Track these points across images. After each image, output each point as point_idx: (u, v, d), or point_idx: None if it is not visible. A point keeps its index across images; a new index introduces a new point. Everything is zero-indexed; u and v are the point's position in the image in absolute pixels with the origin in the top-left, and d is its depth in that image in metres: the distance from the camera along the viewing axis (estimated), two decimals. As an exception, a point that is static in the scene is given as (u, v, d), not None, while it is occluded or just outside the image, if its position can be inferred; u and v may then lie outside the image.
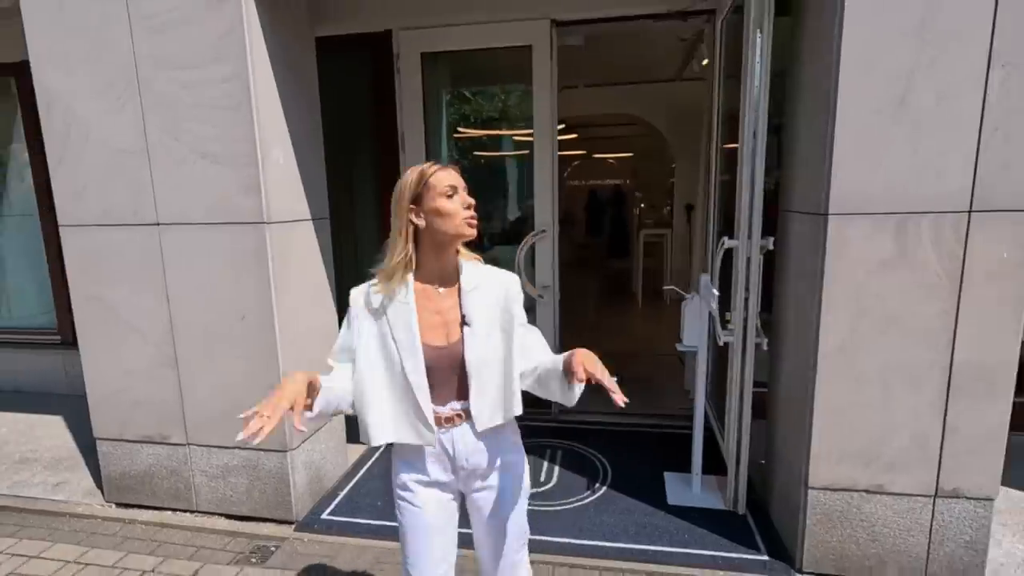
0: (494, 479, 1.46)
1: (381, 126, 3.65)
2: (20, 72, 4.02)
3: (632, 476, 2.97)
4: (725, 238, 2.46)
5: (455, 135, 3.86)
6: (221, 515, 2.72)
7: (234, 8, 2.22)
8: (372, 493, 2.86)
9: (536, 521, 2.58)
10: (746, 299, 2.41)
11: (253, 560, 2.42)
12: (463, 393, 1.39)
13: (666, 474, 2.95)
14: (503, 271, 1.45)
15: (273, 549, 2.49)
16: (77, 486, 3.01)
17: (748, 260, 2.38)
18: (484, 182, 4.03)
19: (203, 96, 2.32)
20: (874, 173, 1.93)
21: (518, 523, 1.51)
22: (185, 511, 2.76)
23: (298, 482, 2.64)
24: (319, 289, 2.78)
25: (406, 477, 1.44)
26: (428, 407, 1.35)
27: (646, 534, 2.49)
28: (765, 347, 2.46)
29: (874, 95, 1.89)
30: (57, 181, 2.55)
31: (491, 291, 1.39)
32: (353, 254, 3.85)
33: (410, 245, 1.34)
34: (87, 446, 3.37)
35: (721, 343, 2.54)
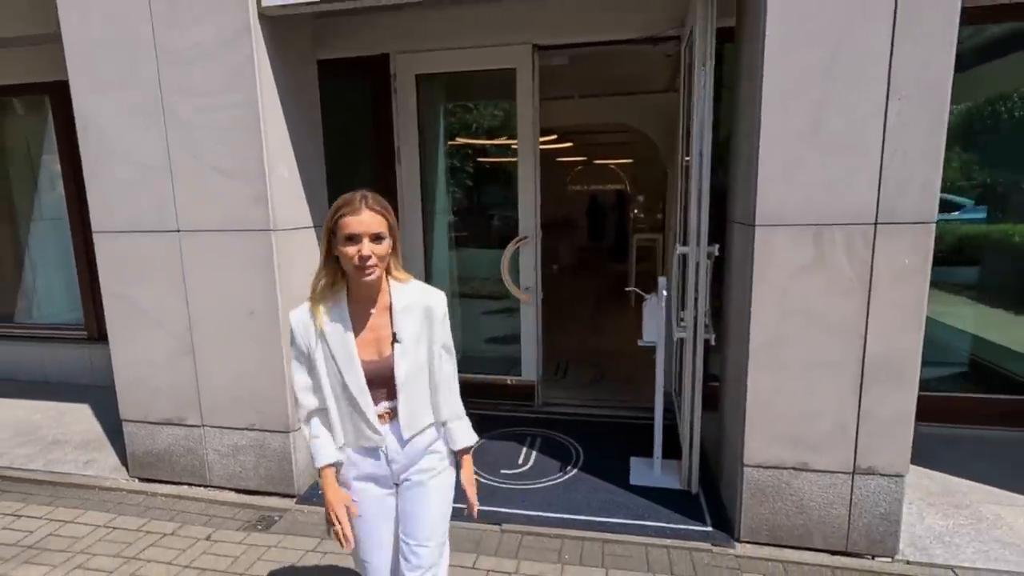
0: (424, 464, 1.60)
1: (379, 141, 3.98)
2: (53, 91, 4.43)
3: (601, 460, 3.27)
4: (678, 244, 2.76)
5: (448, 145, 4.18)
6: (231, 489, 3.06)
7: (246, 46, 2.57)
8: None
9: (511, 497, 2.90)
10: (696, 300, 2.70)
11: (259, 527, 2.75)
12: (392, 394, 1.53)
13: (632, 459, 3.25)
14: (431, 289, 1.57)
15: (276, 518, 2.82)
16: (104, 463, 3.37)
17: (697, 265, 2.67)
18: (476, 189, 4.36)
19: (219, 120, 2.67)
20: (794, 189, 2.23)
21: (439, 512, 1.62)
22: (199, 485, 3.10)
23: (299, 460, 2.97)
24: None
25: (346, 475, 1.59)
26: (372, 413, 1.50)
27: (607, 509, 2.79)
28: (713, 342, 2.75)
29: (793, 122, 2.19)
30: (91, 193, 2.90)
31: (419, 310, 1.53)
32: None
33: (332, 270, 1.49)
34: (112, 430, 3.74)
35: (675, 339, 2.84)
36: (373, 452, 1.56)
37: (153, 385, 3.03)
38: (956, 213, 3.64)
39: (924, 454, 3.12)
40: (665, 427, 3.05)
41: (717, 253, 2.68)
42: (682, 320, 2.80)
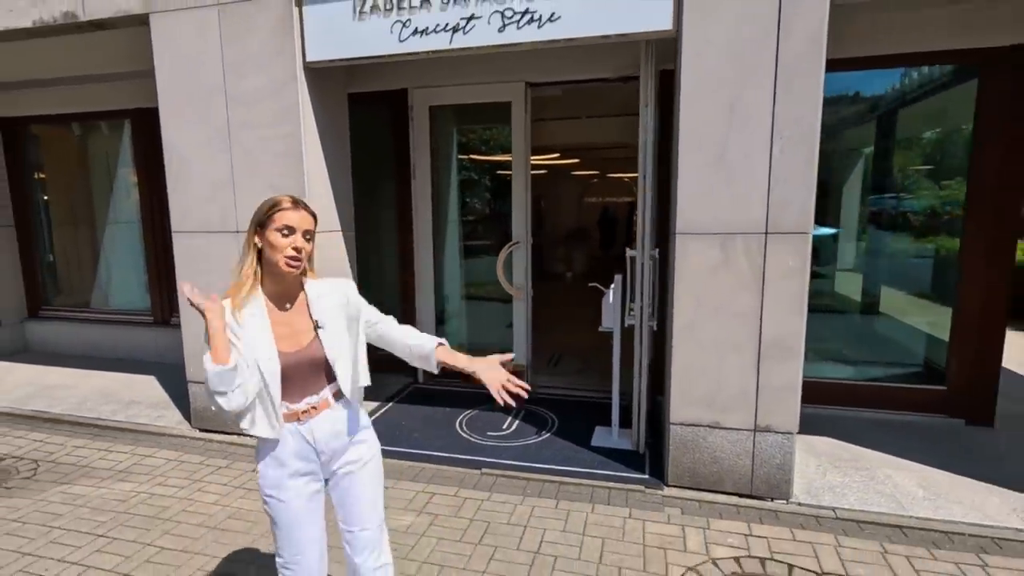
0: (353, 455, 1.67)
1: (398, 160, 4.75)
2: (134, 116, 5.35)
3: (571, 428, 3.93)
4: (628, 249, 3.43)
5: (455, 163, 4.92)
6: (271, 438, 3.82)
7: (293, 91, 3.36)
8: (382, 434, 3.90)
9: (492, 452, 3.59)
10: (641, 293, 3.36)
11: (292, 465, 3.50)
12: (316, 388, 1.61)
13: (597, 427, 3.90)
14: (340, 279, 1.73)
15: (306, 460, 3.57)
16: (171, 418, 4.19)
17: (642, 265, 3.33)
18: (479, 201, 5.09)
19: (271, 147, 3.47)
20: (705, 205, 2.88)
21: (375, 497, 1.72)
22: (246, 435, 3.87)
23: (325, 416, 3.72)
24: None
25: (273, 475, 1.59)
26: (279, 405, 1.55)
27: (568, 462, 3.45)
28: (655, 327, 3.39)
29: (702, 154, 2.85)
30: (172, 202, 3.74)
31: (334, 296, 1.65)
32: (376, 253, 4.94)
33: (254, 265, 1.57)
34: (175, 395, 4.57)
35: (626, 326, 3.50)
36: (295, 447, 1.59)
37: (213, 353, 3.82)
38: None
39: (849, 433, 3.71)
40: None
41: (657, 256, 3.34)
42: (631, 310, 3.45)
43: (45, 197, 6.13)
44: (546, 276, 10.51)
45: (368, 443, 1.72)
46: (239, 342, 1.50)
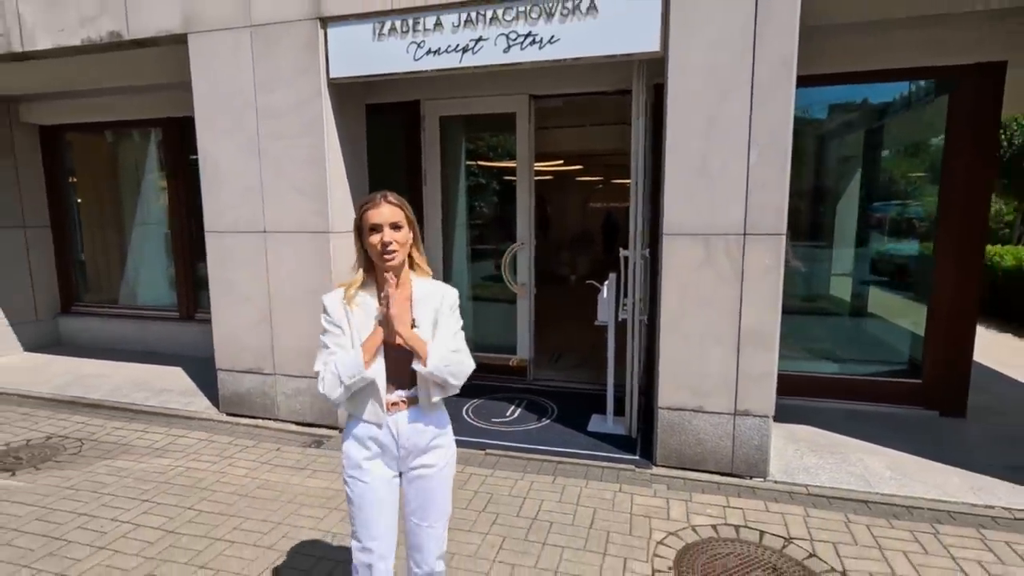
0: (428, 458, 1.74)
1: (410, 165, 5.09)
2: (165, 125, 5.73)
3: (570, 416, 4.23)
4: (621, 249, 3.73)
5: (464, 169, 5.25)
6: (293, 422, 4.15)
7: (318, 105, 3.71)
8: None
9: (496, 436, 3.90)
10: (634, 289, 3.66)
11: (312, 446, 3.83)
12: (407, 383, 1.69)
13: (593, 415, 4.19)
14: (446, 285, 1.76)
15: (325, 441, 3.89)
16: (200, 404, 4.53)
17: (634, 264, 3.64)
18: (486, 204, 5.42)
19: (297, 156, 3.81)
20: (689, 209, 3.18)
21: (445, 499, 1.80)
22: (270, 419, 4.21)
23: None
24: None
25: (357, 456, 1.69)
26: (383, 393, 1.65)
27: (566, 445, 3.75)
28: (647, 321, 3.69)
29: (687, 162, 3.15)
30: (206, 205, 4.09)
31: (434, 299, 1.71)
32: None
33: (363, 262, 1.68)
34: (202, 383, 4.92)
35: (620, 320, 3.80)
36: (380, 434, 1.69)
37: (241, 343, 4.17)
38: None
39: (830, 422, 3.98)
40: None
41: (648, 255, 3.64)
42: (625, 305, 3.76)
43: (79, 200, 6.53)
44: (552, 278, 10.81)
45: (446, 448, 1.78)
46: (347, 329, 1.64)
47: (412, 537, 1.81)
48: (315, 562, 2.55)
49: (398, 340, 1.63)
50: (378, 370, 1.65)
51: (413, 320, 1.67)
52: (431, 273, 1.78)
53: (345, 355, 1.62)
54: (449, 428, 1.82)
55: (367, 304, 1.66)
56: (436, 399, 1.72)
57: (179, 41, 4.00)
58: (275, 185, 3.89)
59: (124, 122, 5.94)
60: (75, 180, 6.53)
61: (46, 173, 6.30)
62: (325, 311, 1.69)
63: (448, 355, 1.66)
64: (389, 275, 1.61)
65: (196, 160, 4.09)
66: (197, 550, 2.64)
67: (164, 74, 4.99)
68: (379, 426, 1.69)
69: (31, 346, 6.21)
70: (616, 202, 13.07)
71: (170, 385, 5.01)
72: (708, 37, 3.04)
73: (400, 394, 1.70)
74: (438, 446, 1.76)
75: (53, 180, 6.32)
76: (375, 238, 1.62)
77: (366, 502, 1.71)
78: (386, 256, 1.61)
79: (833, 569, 2.50)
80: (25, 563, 2.56)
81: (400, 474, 1.77)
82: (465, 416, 4.24)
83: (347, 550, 2.58)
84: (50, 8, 4.22)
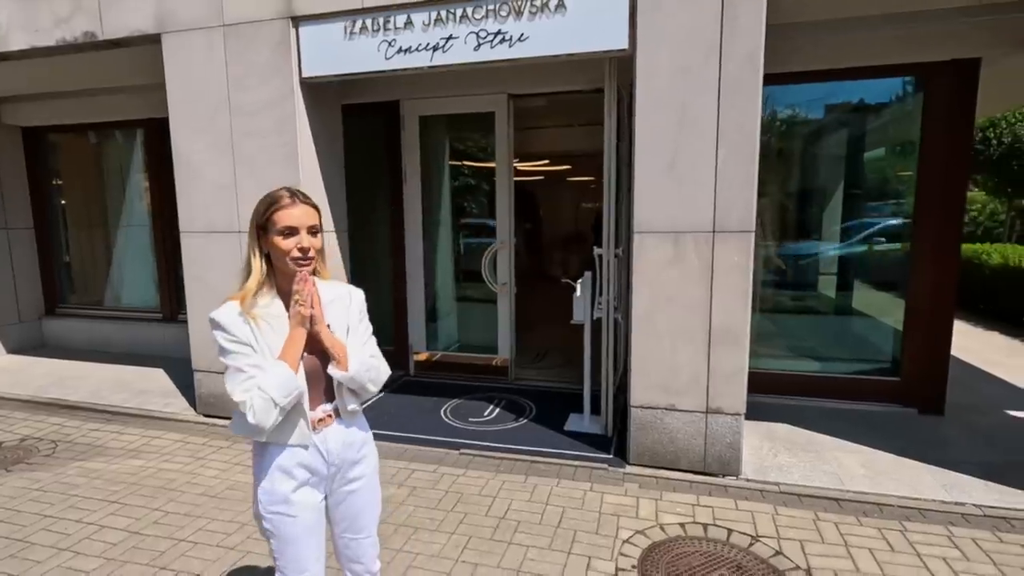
0: (357, 470, 1.65)
1: (390, 166, 5.07)
2: (146, 126, 5.72)
3: (548, 415, 4.21)
4: (595, 247, 3.72)
5: (444, 168, 5.23)
6: (269, 423, 4.14)
7: (290, 104, 3.70)
8: (372, 420, 4.20)
9: (472, 435, 3.89)
10: (608, 288, 3.65)
11: (288, 446, 3.81)
12: (329, 395, 1.57)
13: (571, 414, 4.18)
14: (350, 286, 1.67)
15: (300, 441, 3.87)
16: (178, 405, 4.51)
17: (608, 262, 3.63)
18: (466, 204, 5.41)
19: (270, 154, 3.80)
20: (658, 207, 3.18)
21: (378, 503, 1.73)
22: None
23: (318, 402, 4.03)
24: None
25: (284, 490, 1.51)
26: (307, 409, 1.51)
27: (540, 444, 3.73)
28: (620, 320, 3.68)
29: (656, 161, 3.14)
30: (180, 204, 4.08)
31: (343, 303, 1.61)
32: (370, 254, 5.26)
33: (262, 268, 1.50)
34: (182, 385, 4.90)
35: (594, 318, 3.79)
36: (308, 457, 1.54)
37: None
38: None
39: (808, 421, 3.97)
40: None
41: (621, 254, 3.63)
42: (599, 304, 3.75)
43: (62, 201, 6.51)
44: (544, 278, 10.80)
45: (370, 457, 1.69)
46: (256, 347, 1.45)
47: (347, 551, 1.71)
48: (277, 562, 2.54)
49: (318, 345, 1.51)
50: (303, 384, 1.48)
51: (328, 326, 1.54)
52: (331, 279, 1.65)
53: (272, 373, 1.42)
54: (369, 431, 1.73)
55: (271, 315, 1.49)
56: (352, 407, 1.61)
57: (153, 41, 3.99)
58: (249, 184, 3.88)
59: (107, 123, 5.93)
60: (59, 181, 6.52)
61: (29, 175, 6.28)
62: (222, 329, 1.45)
63: (367, 360, 1.57)
64: (305, 272, 1.48)
65: (172, 160, 4.09)
66: (160, 551, 2.63)
67: (145, 74, 4.96)
68: (305, 448, 1.53)
69: (14, 348, 6.19)
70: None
71: (150, 386, 4.99)
72: (675, 35, 3.03)
73: (325, 408, 1.57)
74: (366, 455, 1.67)
75: (36, 182, 6.31)
76: (289, 242, 1.47)
77: (296, 536, 1.55)
78: (301, 263, 1.48)
79: (798, 567, 2.49)
80: (-15, 565, 2.55)
81: (326, 496, 1.64)
82: (443, 416, 4.22)
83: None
84: (24, 8, 4.21)
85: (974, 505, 2.94)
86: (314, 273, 1.55)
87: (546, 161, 8.70)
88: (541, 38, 3.27)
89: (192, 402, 4.47)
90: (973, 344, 6.11)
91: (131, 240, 6.25)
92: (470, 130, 5.19)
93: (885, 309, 4.38)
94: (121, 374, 5.35)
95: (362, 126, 4.87)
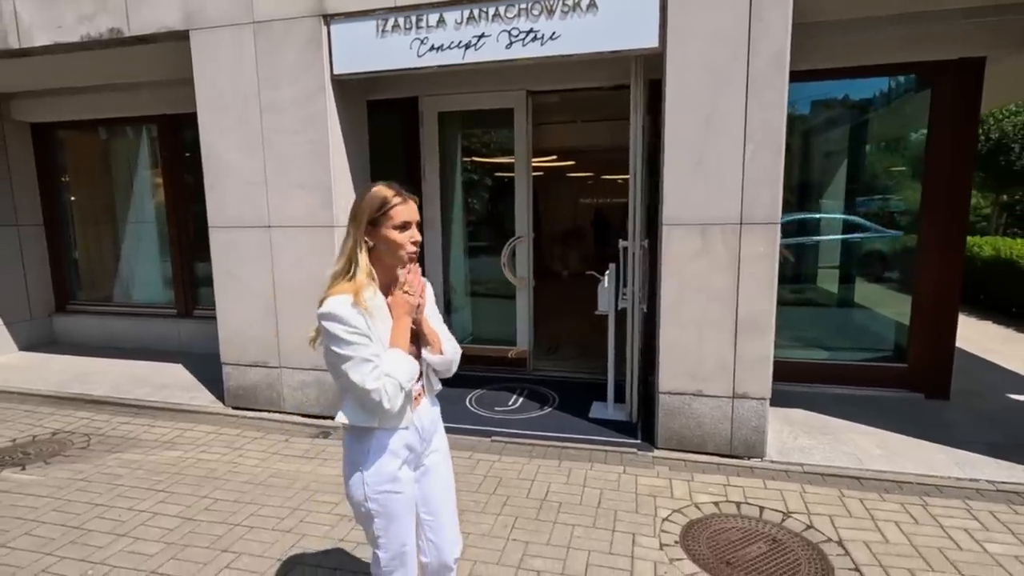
0: (437, 443, 1.79)
1: (409, 161, 5.15)
2: (160, 122, 5.73)
3: (571, 404, 4.33)
4: (621, 240, 3.84)
5: (462, 164, 5.32)
6: (299, 414, 4.21)
7: (321, 100, 3.77)
8: (395, 408, 4.29)
9: (501, 423, 4.00)
10: (633, 279, 3.77)
11: (320, 436, 3.89)
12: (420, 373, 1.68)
13: (594, 402, 4.31)
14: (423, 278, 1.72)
15: (332, 432, 3.96)
16: (204, 398, 4.57)
17: (634, 254, 3.75)
18: (484, 199, 5.50)
19: (300, 150, 3.86)
20: (686, 201, 3.30)
21: (452, 479, 1.86)
22: (276, 411, 4.26)
23: (348, 393, 4.10)
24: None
25: (391, 470, 1.60)
26: (412, 393, 1.61)
27: (568, 431, 3.85)
28: (646, 310, 3.81)
29: (684, 157, 3.27)
30: (209, 200, 4.12)
31: (429, 290, 1.74)
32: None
33: (368, 262, 1.56)
34: (204, 378, 4.95)
35: (619, 309, 3.91)
36: (407, 434, 1.64)
37: (246, 336, 4.21)
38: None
39: (822, 406, 4.13)
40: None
41: (647, 245, 3.76)
42: (624, 294, 3.87)
43: (73, 198, 6.49)
44: (545, 273, 10.92)
45: (441, 427, 1.83)
46: (372, 336, 1.51)
47: (428, 537, 1.79)
48: (334, 543, 2.63)
49: (417, 331, 1.64)
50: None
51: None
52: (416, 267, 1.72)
53: (396, 360, 1.53)
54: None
55: (377, 306, 1.56)
56: (438, 387, 1.79)
57: (181, 38, 4.03)
58: (279, 180, 3.94)
59: (118, 119, 5.91)
60: (69, 178, 6.49)
61: (39, 171, 6.25)
62: (340, 322, 1.47)
63: (455, 343, 1.75)
64: (414, 265, 1.60)
65: (192, 157, 4.12)
66: (217, 535, 2.71)
67: (160, 71, 5.00)
68: (407, 428, 1.64)
69: (26, 345, 6.17)
70: (606, 198, 13.22)
71: (171, 381, 5.03)
72: (704, 34, 3.15)
73: (416, 387, 1.67)
74: (439, 427, 1.82)
75: (46, 178, 6.28)
76: (404, 236, 1.55)
77: (401, 513, 1.63)
78: (414, 255, 1.59)
79: (830, 539, 2.63)
80: (48, 551, 2.60)
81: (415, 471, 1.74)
82: (468, 405, 4.33)
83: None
84: (47, 6, 4.22)
85: (987, 481, 3.11)
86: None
87: (553, 157, 8.81)
88: (572, 37, 3.37)
89: (217, 395, 4.53)
90: (970, 333, 6.34)
91: (143, 236, 6.25)
92: (489, 126, 5.28)
93: (891, 300, 4.56)
94: (138, 370, 5.38)
95: (380, 122, 4.92)
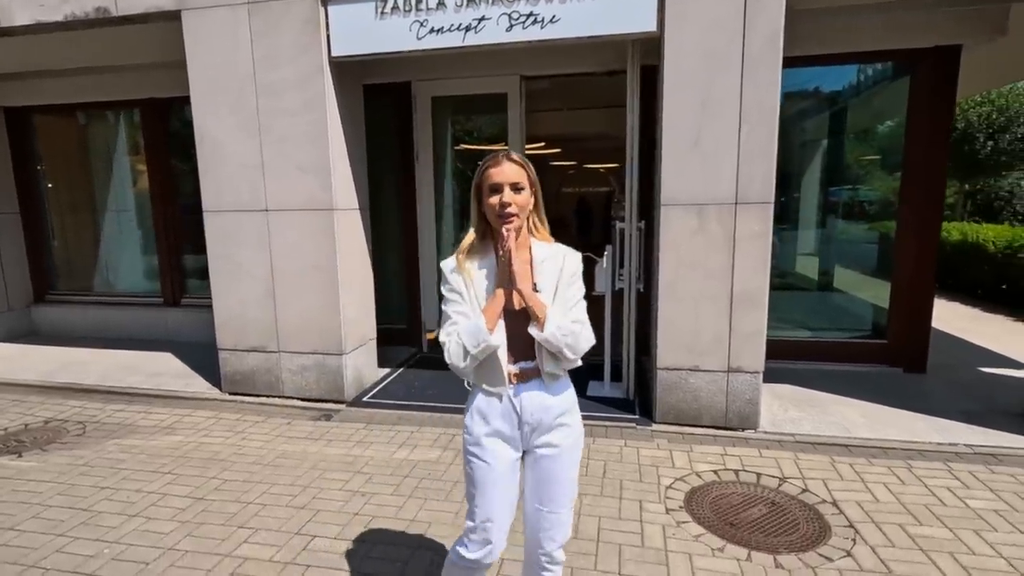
0: (553, 437, 1.63)
1: (403, 145, 5.15)
2: (144, 106, 5.60)
3: (568, 383, 4.42)
4: (616, 221, 3.93)
5: (454, 149, 5.34)
6: (298, 398, 4.21)
7: (319, 82, 3.75)
8: (393, 392, 4.32)
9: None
10: (630, 259, 3.87)
11: (322, 419, 3.91)
12: (529, 354, 1.59)
13: (590, 381, 4.41)
14: (568, 248, 1.65)
15: (333, 414, 3.98)
16: (199, 385, 4.53)
17: (630, 235, 3.84)
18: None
19: (298, 132, 3.84)
20: (683, 182, 3.40)
21: (571, 480, 1.67)
22: (276, 396, 4.26)
23: (348, 376, 4.13)
24: (362, 251, 4.29)
25: (478, 431, 1.60)
26: (504, 363, 1.57)
27: (568, 408, 3.94)
28: (642, 289, 3.91)
29: (681, 139, 3.36)
30: (204, 184, 4.07)
31: (555, 261, 1.61)
32: (383, 234, 5.33)
33: (481, 224, 1.60)
34: (197, 366, 4.90)
35: (616, 288, 4.01)
36: (503, 408, 1.60)
37: (244, 321, 4.19)
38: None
39: (808, 380, 4.30)
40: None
41: (643, 227, 3.85)
42: (621, 275, 3.96)
43: (50, 185, 6.30)
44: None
45: (572, 427, 1.66)
46: (466, 296, 1.57)
47: (532, 522, 1.69)
48: (350, 518, 2.68)
49: (516, 302, 1.55)
50: (500, 337, 1.55)
51: (535, 284, 1.57)
52: (552, 240, 1.67)
53: (468, 323, 1.54)
54: (576, 406, 1.70)
55: (484, 270, 1.59)
56: (549, 369, 1.60)
57: (172, 18, 3.96)
58: (276, 163, 3.92)
59: (99, 103, 5.75)
60: (46, 164, 6.29)
61: (13, 157, 6.06)
62: (443, 279, 1.61)
63: (567, 324, 1.55)
64: (508, 230, 1.52)
65: (178, 141, 4.06)
66: (231, 512, 2.73)
67: (146, 53, 4.88)
68: (500, 398, 1.61)
69: (5, 337, 6.00)
70: (589, 187, 13.34)
71: (161, 369, 4.97)
72: (702, 17, 3.24)
73: (523, 365, 1.60)
74: (563, 424, 1.64)
75: (22, 164, 6.09)
76: (495, 199, 1.53)
77: (483, 482, 1.61)
78: (504, 220, 1.52)
79: (824, 500, 2.78)
80: (59, 532, 2.59)
81: (524, 454, 1.67)
82: (467, 386, 4.37)
83: (381, 507, 2.72)
84: (29, -18, 4.10)
85: (965, 445, 3.31)
86: (531, 231, 1.63)
87: (542, 144, 8.86)
88: (572, 20, 3.42)
89: (212, 381, 4.50)
90: (942, 313, 6.61)
91: (125, 224, 6.12)
92: (481, 112, 5.30)
93: (871, 283, 4.76)
94: (126, 358, 5.29)
95: (372, 107, 4.91)
